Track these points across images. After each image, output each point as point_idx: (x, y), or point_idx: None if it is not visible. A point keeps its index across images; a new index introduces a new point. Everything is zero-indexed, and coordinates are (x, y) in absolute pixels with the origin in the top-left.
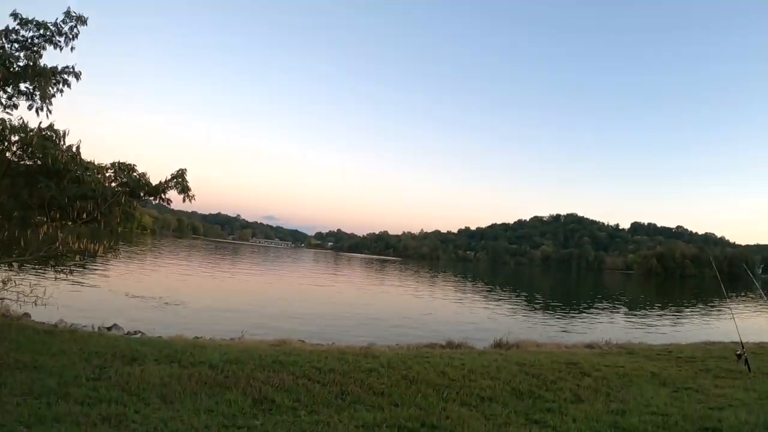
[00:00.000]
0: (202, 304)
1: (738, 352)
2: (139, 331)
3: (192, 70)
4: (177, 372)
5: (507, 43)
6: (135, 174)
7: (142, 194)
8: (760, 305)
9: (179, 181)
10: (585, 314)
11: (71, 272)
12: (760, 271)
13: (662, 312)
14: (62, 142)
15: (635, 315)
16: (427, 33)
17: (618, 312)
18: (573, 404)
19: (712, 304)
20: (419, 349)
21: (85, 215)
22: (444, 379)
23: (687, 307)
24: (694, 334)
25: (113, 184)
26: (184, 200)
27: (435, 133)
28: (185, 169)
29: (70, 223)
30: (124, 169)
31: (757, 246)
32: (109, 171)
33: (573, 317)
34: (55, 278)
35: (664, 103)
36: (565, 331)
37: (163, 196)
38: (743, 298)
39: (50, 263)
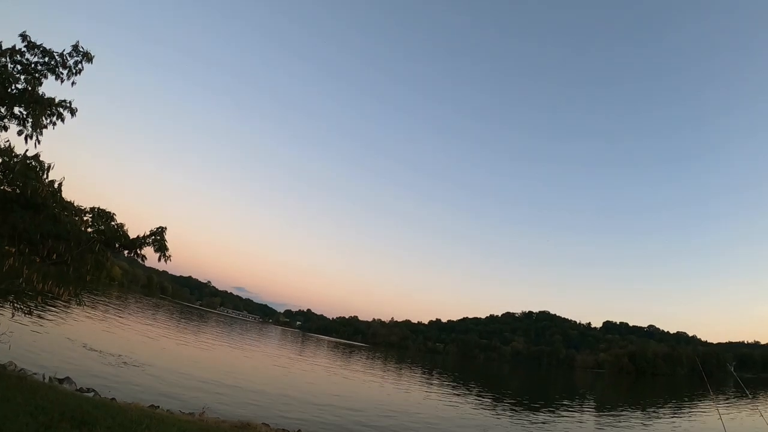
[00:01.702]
0: (163, 368)
1: None
2: (93, 389)
3: (181, 132)
4: None
5: (484, 133)
6: (113, 223)
7: (118, 245)
8: (735, 403)
9: (158, 239)
10: (559, 414)
11: (31, 312)
12: (732, 368)
13: (637, 412)
14: (45, 176)
15: (610, 416)
16: (396, 116)
17: (592, 412)
18: None
19: (686, 404)
20: None
21: (55, 256)
22: None
23: (661, 408)
24: None
25: (89, 230)
26: (159, 259)
27: (411, 226)
28: (165, 228)
29: (37, 260)
30: (102, 216)
31: (729, 344)
32: (87, 215)
33: (547, 417)
34: (13, 315)
35: (635, 208)
36: (538, 430)
37: (139, 252)
38: (712, 398)
39: (10, 299)
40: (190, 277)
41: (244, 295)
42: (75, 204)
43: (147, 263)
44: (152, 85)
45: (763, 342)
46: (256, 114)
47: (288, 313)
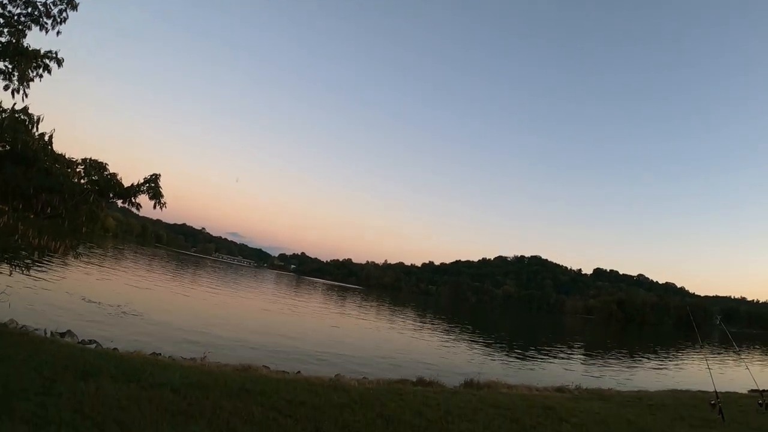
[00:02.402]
0: (162, 317)
1: (712, 401)
2: (95, 341)
3: (170, 77)
4: (136, 393)
5: (478, 76)
6: (106, 173)
7: (112, 195)
8: (721, 354)
9: (152, 186)
10: (549, 356)
11: (28, 268)
12: (718, 322)
13: (626, 358)
14: (35, 129)
15: (600, 360)
16: (398, 65)
17: (582, 356)
18: None
19: (673, 352)
20: (390, 384)
21: (49, 209)
22: (421, 420)
23: (650, 354)
24: (660, 382)
25: (83, 181)
26: (155, 207)
27: (407, 168)
28: (159, 175)
29: (32, 215)
30: (95, 166)
31: (716, 298)
32: (79, 167)
33: (537, 358)
34: (11, 273)
35: (630, 156)
36: (531, 372)
37: (134, 200)
38: (699, 348)
39: (6, 256)
40: (184, 224)
41: (238, 241)
42: (66, 156)
43: (141, 213)
44: (140, 27)
45: (749, 298)
46: (247, 55)
47: (282, 257)
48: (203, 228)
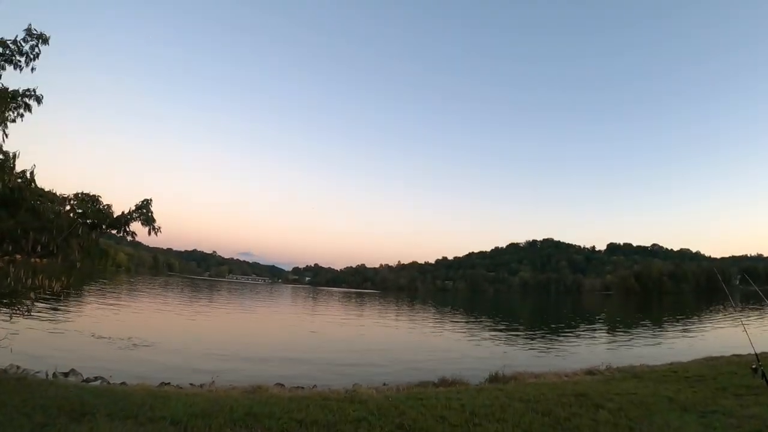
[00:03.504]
0: (174, 345)
1: (753, 366)
2: (101, 377)
3: (172, 101)
4: (132, 430)
5: (480, 68)
6: (101, 206)
7: (104, 226)
8: (745, 314)
9: (143, 212)
10: (572, 338)
11: (29, 311)
12: (737, 282)
13: (651, 330)
14: (12, 164)
15: (624, 335)
16: (403, 68)
17: (605, 333)
18: None
19: (696, 318)
20: (410, 389)
21: (39, 248)
22: (444, 426)
23: (673, 323)
24: (691, 350)
25: (70, 215)
26: (149, 233)
27: (408, 166)
28: (150, 200)
29: (18, 256)
30: (87, 200)
31: (733, 258)
32: (72, 202)
33: (561, 341)
34: (11, 318)
35: (632, 126)
36: (558, 357)
37: (127, 229)
38: (722, 310)
39: (3, 301)
40: (195, 250)
41: (251, 260)
42: (54, 191)
43: (150, 243)
44: (142, 54)
45: (766, 255)
46: (247, 73)
47: (296, 270)
48: (214, 251)
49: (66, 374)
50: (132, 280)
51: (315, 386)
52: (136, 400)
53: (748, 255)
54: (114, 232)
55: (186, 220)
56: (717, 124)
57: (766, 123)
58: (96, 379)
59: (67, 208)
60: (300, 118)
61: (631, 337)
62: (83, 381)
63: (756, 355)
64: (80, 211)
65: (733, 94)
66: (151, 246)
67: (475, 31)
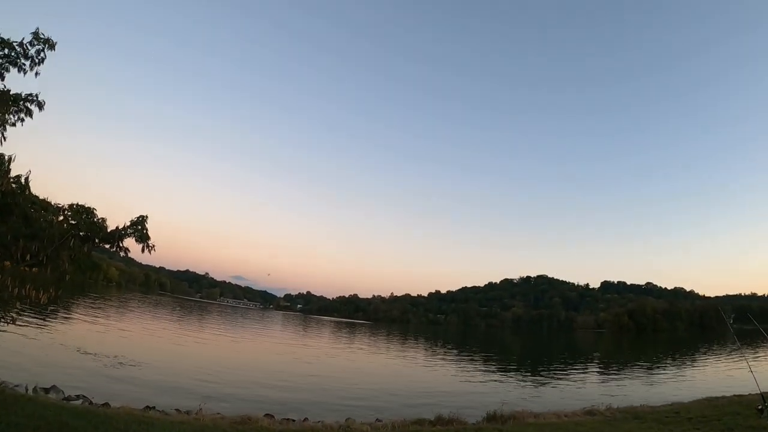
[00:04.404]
0: (161, 366)
1: (759, 406)
2: (82, 396)
3: (167, 125)
4: None
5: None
6: (96, 219)
7: (97, 239)
8: (738, 355)
9: (138, 228)
10: (568, 375)
11: (14, 321)
12: (731, 321)
13: (647, 368)
14: (7, 167)
15: (620, 373)
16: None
17: (601, 371)
18: None
19: (692, 356)
20: (405, 427)
21: (29, 257)
22: None
23: (670, 362)
24: (692, 390)
25: (64, 225)
26: (143, 250)
27: (404, 198)
28: (146, 216)
29: (7, 263)
30: (82, 212)
31: (727, 297)
32: (66, 212)
33: (557, 379)
34: None
35: (627, 165)
36: (555, 395)
37: (121, 244)
38: (715, 349)
39: None
40: (187, 270)
41: (243, 284)
42: (49, 200)
43: (143, 261)
44: (131, 70)
45: (759, 293)
46: (238, 101)
47: (288, 297)
48: (207, 273)
49: (47, 390)
50: (123, 296)
51: (306, 419)
52: (118, 424)
53: (742, 294)
54: (107, 246)
55: (179, 240)
56: (713, 164)
57: (765, 162)
58: (78, 397)
59: (61, 218)
60: (296, 145)
61: (627, 375)
62: (64, 399)
63: (762, 394)
64: (74, 222)
65: (730, 133)
66: (143, 263)
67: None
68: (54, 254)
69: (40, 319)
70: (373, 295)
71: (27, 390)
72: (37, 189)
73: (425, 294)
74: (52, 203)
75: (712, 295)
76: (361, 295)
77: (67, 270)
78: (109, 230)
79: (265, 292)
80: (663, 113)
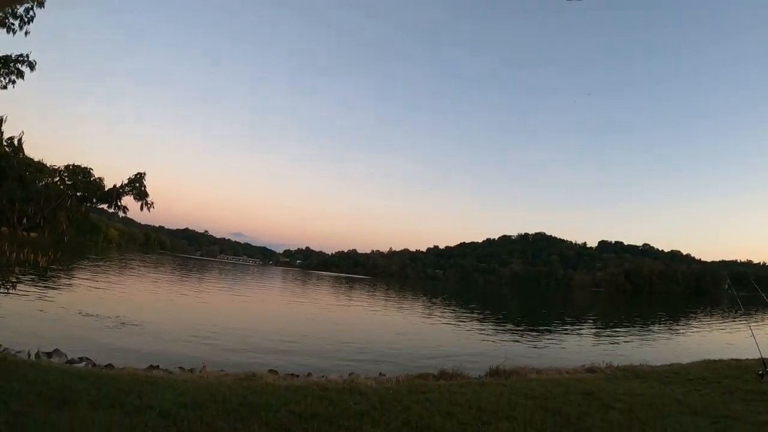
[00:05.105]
0: (164, 325)
1: (759, 371)
2: (85, 358)
3: (166, 80)
4: (117, 421)
5: (471, 68)
6: (93, 179)
7: (94, 199)
8: (733, 320)
9: (136, 186)
10: (567, 333)
11: (14, 287)
12: (727, 287)
13: (644, 329)
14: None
15: (618, 333)
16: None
17: (600, 330)
18: None
19: (689, 319)
20: (410, 381)
21: (25, 220)
22: (454, 424)
23: (666, 323)
24: (689, 352)
25: (60, 186)
26: (141, 208)
27: (405, 153)
28: (143, 173)
29: (4, 229)
30: (78, 172)
31: (722, 262)
32: (63, 173)
33: (556, 337)
34: None
35: (629, 124)
36: (554, 352)
37: (119, 203)
38: (711, 312)
39: None
40: (186, 229)
41: (242, 240)
42: (44, 162)
43: (142, 221)
44: (140, 26)
45: (755, 261)
46: (242, 53)
47: (287, 252)
48: (206, 231)
49: (49, 354)
50: (123, 257)
51: (310, 374)
52: (122, 385)
53: (738, 260)
54: (105, 206)
55: (178, 199)
56: (714, 128)
57: (764, 129)
58: (81, 360)
59: (57, 179)
60: (296, 101)
61: (625, 335)
62: (67, 362)
63: (763, 360)
64: (70, 182)
65: (731, 98)
66: (142, 223)
67: (481, 30)
68: (51, 216)
69: (41, 283)
70: (372, 250)
71: (29, 355)
72: (31, 152)
73: (424, 249)
74: (48, 165)
75: (708, 260)
76: (360, 251)
77: (65, 231)
78: (106, 189)
79: (265, 248)
80: (659, 69)
